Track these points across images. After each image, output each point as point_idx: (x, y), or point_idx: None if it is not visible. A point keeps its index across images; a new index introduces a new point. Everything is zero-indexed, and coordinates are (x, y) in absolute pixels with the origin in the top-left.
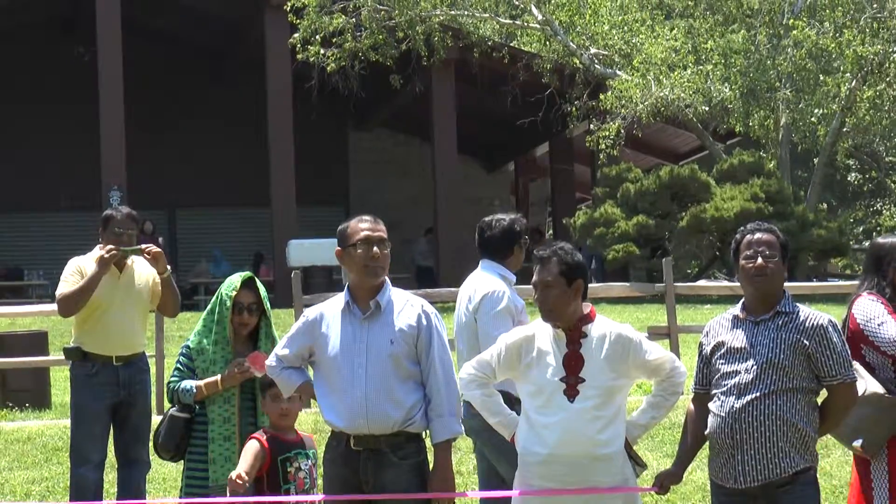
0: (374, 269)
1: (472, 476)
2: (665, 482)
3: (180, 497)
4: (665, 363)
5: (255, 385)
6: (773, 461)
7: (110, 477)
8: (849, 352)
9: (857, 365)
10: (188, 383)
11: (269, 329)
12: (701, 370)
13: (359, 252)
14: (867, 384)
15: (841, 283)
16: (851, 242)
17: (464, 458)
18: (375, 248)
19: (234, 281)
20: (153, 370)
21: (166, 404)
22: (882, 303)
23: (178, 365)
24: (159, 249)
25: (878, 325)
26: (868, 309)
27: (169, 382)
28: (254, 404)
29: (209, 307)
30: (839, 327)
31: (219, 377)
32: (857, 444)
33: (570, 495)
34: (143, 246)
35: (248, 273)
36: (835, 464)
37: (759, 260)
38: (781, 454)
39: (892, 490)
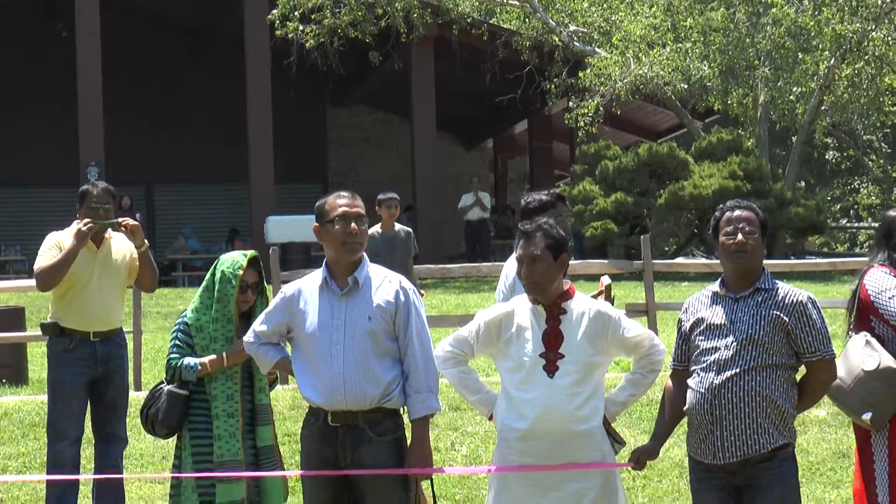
0: (352, 245)
1: (450, 452)
2: (641, 458)
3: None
4: (644, 341)
5: (252, 363)
6: (752, 437)
7: (87, 453)
8: (828, 328)
9: (869, 338)
10: (191, 360)
11: (265, 307)
12: (679, 347)
13: (336, 228)
14: (881, 358)
15: (818, 260)
16: (829, 220)
17: (441, 435)
18: (353, 224)
19: (240, 260)
20: (130, 346)
21: (145, 380)
22: (894, 275)
23: (177, 341)
24: (136, 223)
25: (889, 298)
26: (880, 281)
27: (169, 360)
28: (251, 382)
29: (205, 284)
30: (818, 304)
31: (224, 354)
32: (867, 416)
33: (550, 471)
34: (121, 220)
35: (252, 252)
36: (811, 440)
37: (740, 236)
38: (761, 430)
39: (892, 463)
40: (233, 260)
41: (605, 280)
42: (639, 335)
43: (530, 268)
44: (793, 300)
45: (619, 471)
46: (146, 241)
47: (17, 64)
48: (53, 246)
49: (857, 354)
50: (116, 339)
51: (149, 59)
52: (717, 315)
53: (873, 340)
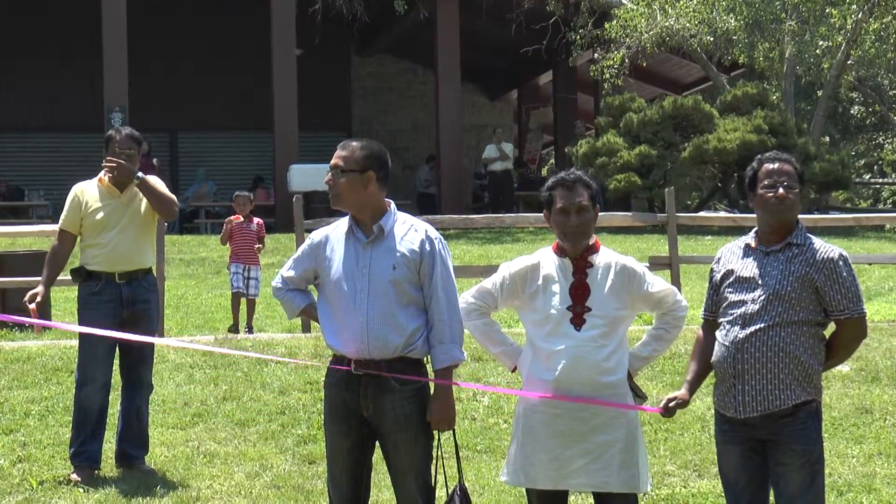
0: (331, 196)
1: (472, 403)
2: (672, 406)
3: None
4: (667, 296)
5: None
6: (773, 392)
7: (112, 397)
8: (859, 286)
9: None
10: None
11: None
12: (711, 297)
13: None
14: None
15: (842, 216)
16: (853, 176)
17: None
18: (329, 175)
19: None
20: None
21: (168, 327)
22: None
23: None
24: (115, 159)
25: None
26: None
27: None
28: None
29: None
30: (850, 261)
31: None
32: None
33: (575, 421)
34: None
35: None
36: (834, 396)
37: (780, 190)
38: (782, 386)
39: None
40: None
41: None
42: (662, 291)
43: (579, 217)
44: (823, 257)
45: (640, 425)
46: (140, 174)
47: (42, 9)
48: (72, 205)
49: None
50: (144, 283)
51: (174, 6)
52: (746, 268)
53: None
